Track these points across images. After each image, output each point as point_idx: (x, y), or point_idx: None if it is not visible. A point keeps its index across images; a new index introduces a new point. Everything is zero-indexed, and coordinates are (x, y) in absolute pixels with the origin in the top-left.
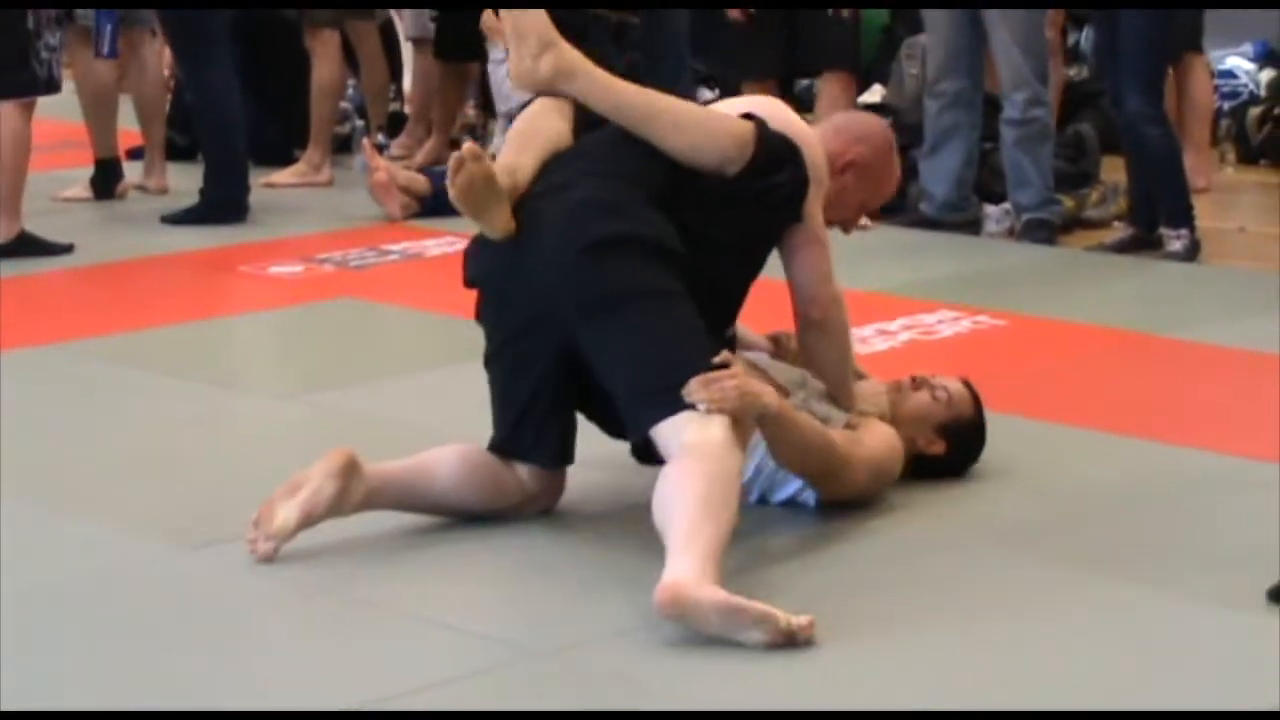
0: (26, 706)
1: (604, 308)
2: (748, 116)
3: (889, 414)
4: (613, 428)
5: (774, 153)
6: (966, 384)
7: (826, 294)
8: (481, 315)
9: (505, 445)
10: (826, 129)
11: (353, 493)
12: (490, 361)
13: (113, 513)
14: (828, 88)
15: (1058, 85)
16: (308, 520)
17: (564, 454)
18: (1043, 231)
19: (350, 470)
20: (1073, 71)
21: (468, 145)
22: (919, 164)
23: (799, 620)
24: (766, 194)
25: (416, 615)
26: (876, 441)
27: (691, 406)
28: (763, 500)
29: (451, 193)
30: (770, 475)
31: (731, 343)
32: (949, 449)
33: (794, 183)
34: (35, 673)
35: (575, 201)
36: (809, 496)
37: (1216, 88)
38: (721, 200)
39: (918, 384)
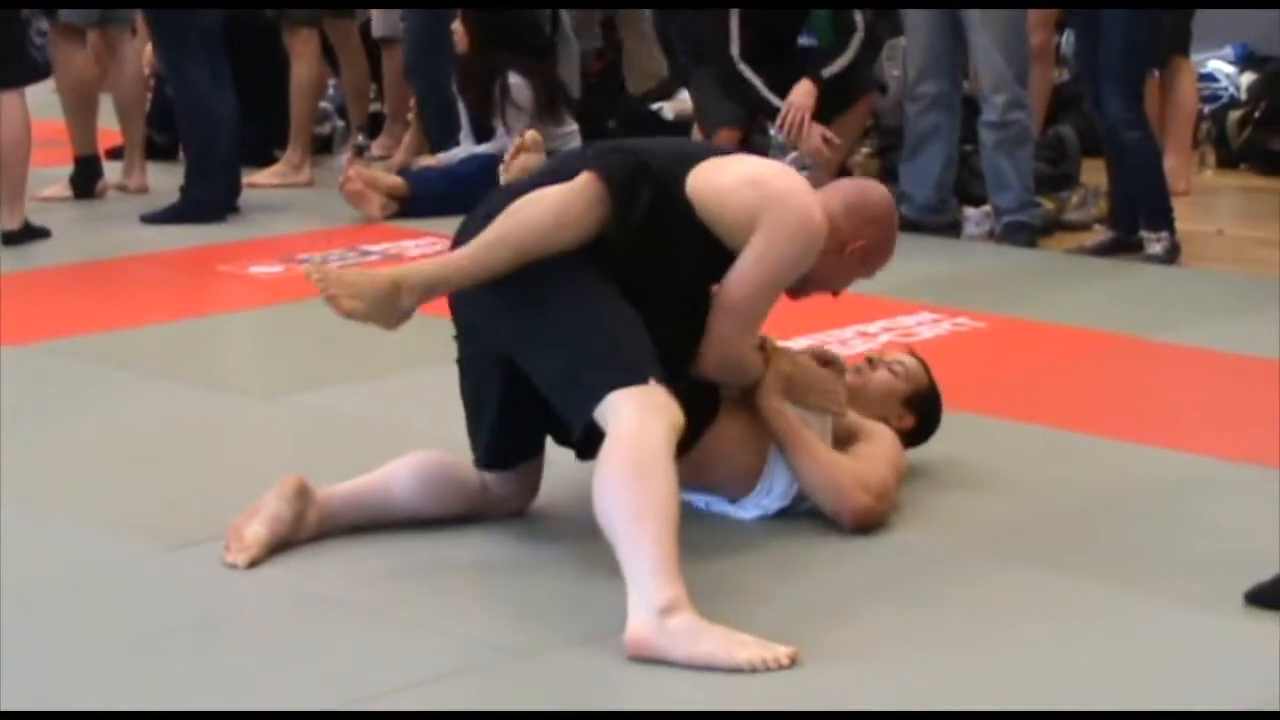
0: (12, 706)
1: (524, 305)
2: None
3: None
4: (563, 438)
5: (620, 181)
6: (911, 353)
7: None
8: (451, 307)
9: (470, 445)
10: (835, 201)
11: (308, 516)
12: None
13: (92, 512)
14: None
15: (1047, 89)
16: (275, 537)
17: (495, 454)
18: (1023, 234)
19: (302, 494)
20: (1053, 74)
21: (530, 133)
22: (899, 167)
23: (775, 653)
24: (652, 218)
25: (393, 616)
26: (886, 447)
27: (613, 386)
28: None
29: (504, 179)
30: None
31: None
32: (917, 420)
33: (662, 191)
34: (19, 672)
35: (512, 196)
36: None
37: (1198, 91)
38: (634, 254)
39: (874, 364)
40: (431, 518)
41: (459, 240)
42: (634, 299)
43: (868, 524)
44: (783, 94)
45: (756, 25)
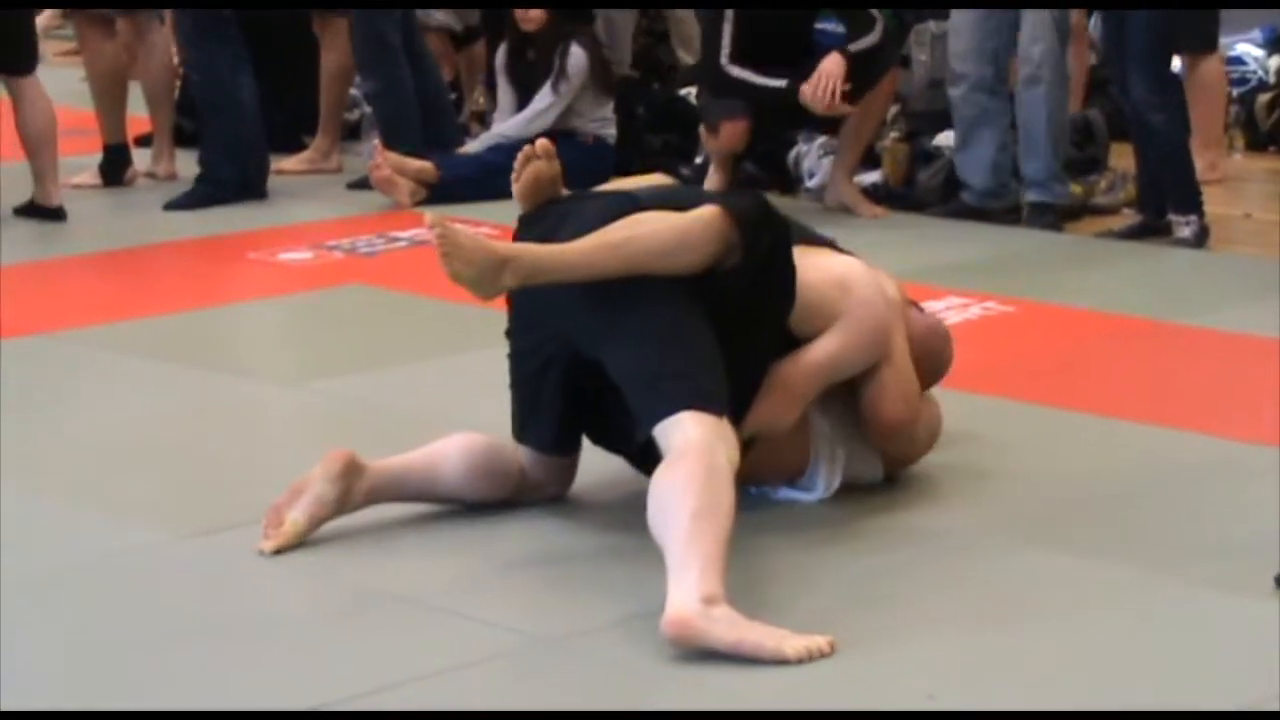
0: (26, 693)
1: (615, 304)
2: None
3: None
4: (612, 440)
5: (750, 221)
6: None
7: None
8: (508, 296)
9: (513, 424)
10: (918, 324)
11: (355, 493)
12: (508, 335)
13: (119, 501)
14: None
15: (1083, 68)
16: (314, 523)
17: (559, 441)
18: (1047, 216)
19: (350, 471)
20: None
21: (541, 141)
22: (954, 158)
23: (817, 643)
24: (767, 260)
25: (421, 602)
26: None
27: (690, 406)
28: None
29: (515, 188)
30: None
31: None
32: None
33: (779, 237)
34: (35, 659)
35: (610, 207)
36: (806, 494)
37: (1227, 74)
38: (744, 289)
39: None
40: (471, 501)
41: (524, 231)
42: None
43: (896, 430)
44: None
45: (763, 22)
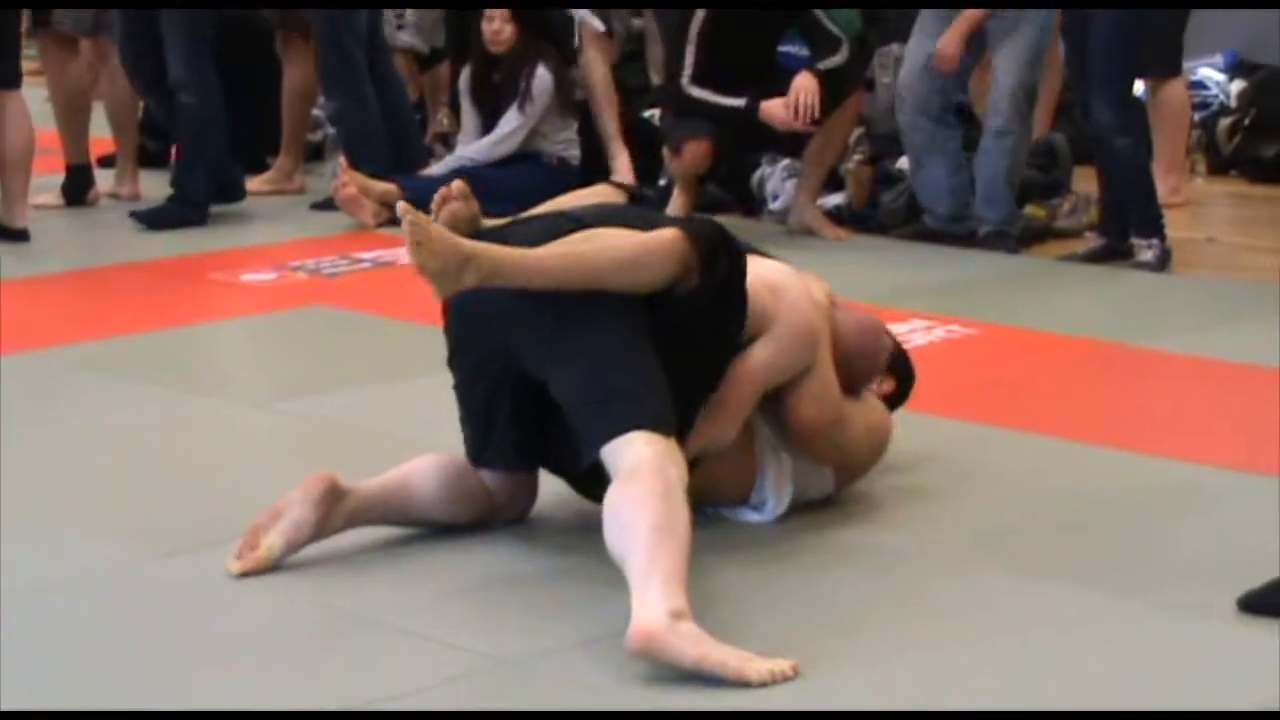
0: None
1: (560, 324)
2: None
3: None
4: (558, 461)
5: (709, 246)
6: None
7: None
8: (445, 322)
9: (469, 450)
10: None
11: (335, 517)
12: (450, 366)
13: (83, 521)
14: None
15: (1053, 96)
16: (291, 548)
17: (520, 460)
18: (1005, 242)
19: (331, 496)
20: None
21: (456, 183)
22: (911, 182)
23: (780, 667)
24: (724, 287)
25: (385, 624)
26: (867, 410)
27: (639, 426)
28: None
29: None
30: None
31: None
32: (898, 381)
33: (736, 266)
34: (16, 679)
35: (550, 230)
36: (758, 514)
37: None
38: (695, 313)
39: None
40: (445, 522)
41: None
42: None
43: (808, 435)
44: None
45: (726, 45)
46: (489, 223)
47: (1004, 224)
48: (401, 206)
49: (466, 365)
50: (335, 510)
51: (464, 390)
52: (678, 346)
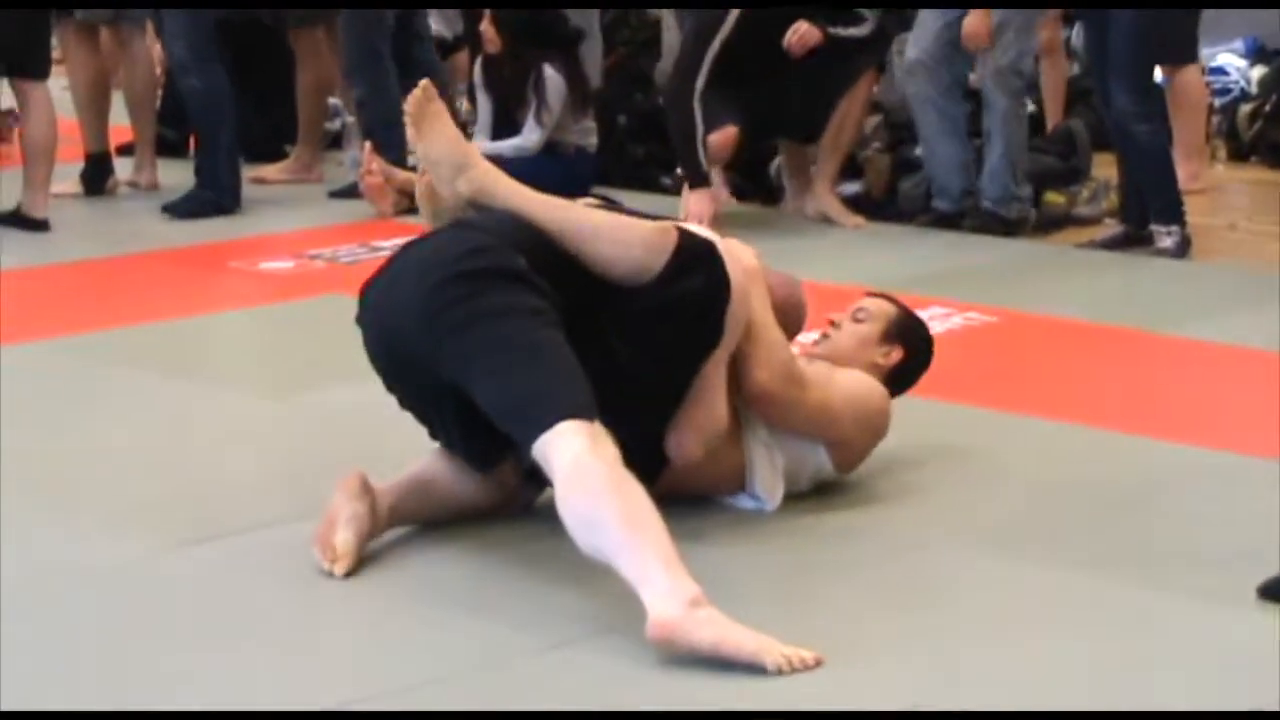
0: (19, 700)
1: (455, 334)
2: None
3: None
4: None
5: (687, 258)
6: (870, 294)
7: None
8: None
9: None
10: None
11: (379, 510)
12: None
13: (97, 510)
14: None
15: (1060, 83)
16: (361, 538)
17: (486, 463)
18: (995, 224)
19: (366, 489)
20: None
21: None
22: (925, 161)
23: (800, 656)
24: (680, 302)
25: (406, 612)
26: (847, 378)
27: (559, 418)
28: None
29: (417, 192)
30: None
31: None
32: (906, 349)
33: (710, 288)
34: (18, 671)
35: (439, 243)
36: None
37: (1209, 84)
38: (639, 314)
39: (835, 324)
40: (470, 508)
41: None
42: (598, 357)
43: (760, 400)
44: (779, 101)
45: (750, 38)
46: None
47: (997, 204)
48: (421, 87)
49: (403, 388)
50: (376, 504)
51: (414, 414)
52: (637, 344)
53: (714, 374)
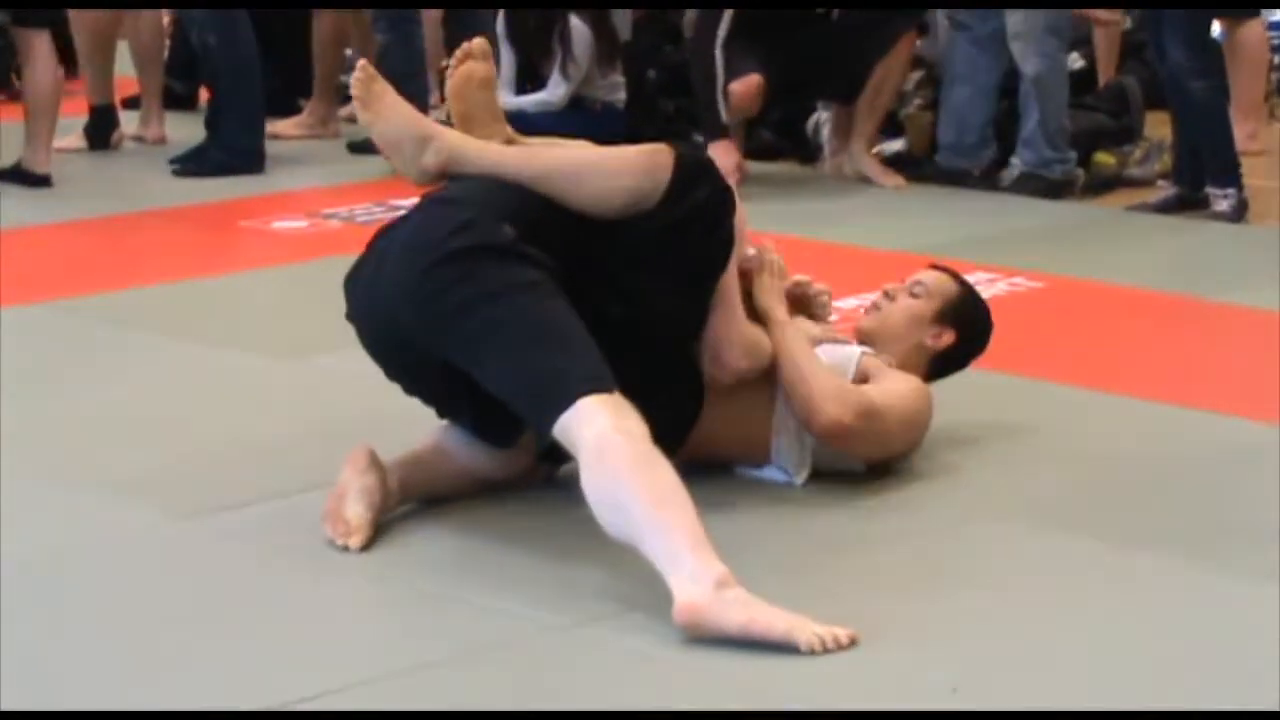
0: (17, 673)
1: (454, 322)
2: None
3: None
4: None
5: (688, 172)
6: (933, 266)
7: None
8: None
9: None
10: None
11: (390, 484)
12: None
13: (107, 477)
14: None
15: (1116, 37)
16: (374, 511)
17: (500, 440)
18: (1033, 184)
19: (375, 462)
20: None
21: (477, 40)
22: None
23: (835, 634)
24: (691, 216)
25: (427, 588)
26: (899, 398)
27: (579, 394)
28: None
29: (447, 85)
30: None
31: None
32: (959, 334)
33: (715, 195)
34: (27, 642)
35: (421, 223)
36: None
37: (1270, 40)
38: (650, 240)
39: (890, 295)
40: (485, 479)
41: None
42: (615, 289)
43: (836, 437)
44: (813, 57)
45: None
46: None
47: (1036, 166)
48: (361, 64)
49: (401, 380)
50: (386, 477)
51: (416, 395)
52: (654, 273)
53: (731, 286)
